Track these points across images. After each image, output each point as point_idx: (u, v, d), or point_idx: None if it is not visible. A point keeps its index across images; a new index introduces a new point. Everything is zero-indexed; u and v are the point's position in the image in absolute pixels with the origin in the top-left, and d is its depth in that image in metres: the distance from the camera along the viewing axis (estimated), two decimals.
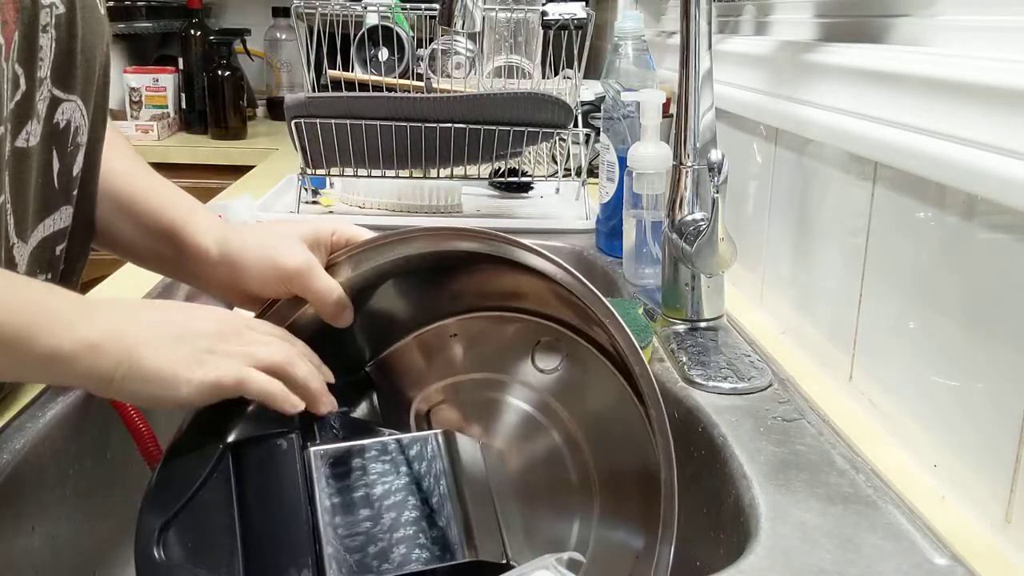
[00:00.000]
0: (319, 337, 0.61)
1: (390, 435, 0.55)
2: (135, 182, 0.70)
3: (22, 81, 0.55)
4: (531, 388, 0.62)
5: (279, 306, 0.63)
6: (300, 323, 0.63)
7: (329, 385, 0.57)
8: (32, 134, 0.57)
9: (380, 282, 0.63)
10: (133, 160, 0.72)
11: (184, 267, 0.67)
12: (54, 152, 0.60)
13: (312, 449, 0.52)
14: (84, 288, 0.82)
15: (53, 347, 0.48)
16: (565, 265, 0.53)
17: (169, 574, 0.47)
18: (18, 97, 0.55)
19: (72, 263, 0.68)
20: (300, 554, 0.47)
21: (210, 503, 0.50)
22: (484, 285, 0.62)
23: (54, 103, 0.60)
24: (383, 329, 0.65)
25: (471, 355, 0.64)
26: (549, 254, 0.54)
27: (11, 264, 0.59)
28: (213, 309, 0.57)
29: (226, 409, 0.53)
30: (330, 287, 0.61)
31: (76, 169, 0.63)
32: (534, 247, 0.54)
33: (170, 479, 0.52)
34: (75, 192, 0.64)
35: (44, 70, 0.58)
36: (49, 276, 0.65)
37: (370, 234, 0.63)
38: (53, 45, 0.58)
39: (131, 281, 0.91)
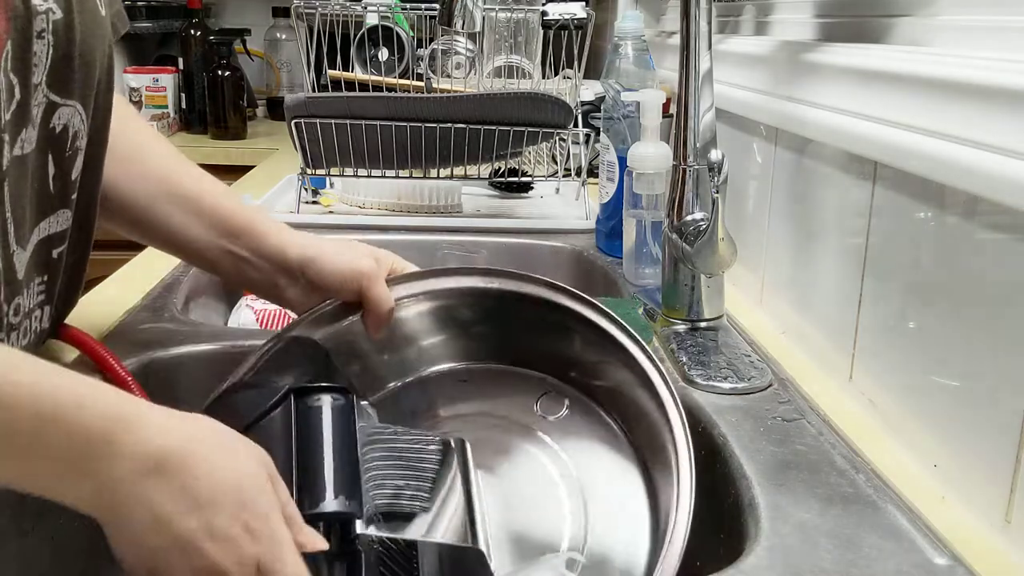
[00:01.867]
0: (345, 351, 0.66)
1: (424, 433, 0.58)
2: (202, 183, 0.73)
3: (17, 90, 0.54)
4: (532, 428, 0.64)
5: (324, 312, 0.67)
6: (336, 332, 0.67)
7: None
8: (27, 141, 0.57)
9: (420, 311, 0.68)
10: (182, 159, 0.75)
11: (255, 264, 0.70)
12: (50, 157, 0.60)
13: (364, 403, 0.55)
14: (85, 288, 0.83)
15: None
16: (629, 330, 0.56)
17: None
18: (13, 106, 0.54)
19: (75, 267, 0.68)
20: (349, 487, 0.49)
21: (272, 431, 0.51)
22: (505, 341, 0.66)
23: (50, 108, 0.59)
24: (402, 358, 0.69)
25: (478, 396, 0.67)
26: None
27: (10, 271, 0.59)
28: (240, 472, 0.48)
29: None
30: (388, 296, 0.66)
31: (75, 173, 0.63)
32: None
33: (234, 404, 0.54)
34: (74, 196, 0.64)
35: (39, 76, 0.57)
36: (46, 278, 0.65)
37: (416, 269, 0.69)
38: (50, 51, 0.57)
39: (131, 283, 0.91)
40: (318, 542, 0.46)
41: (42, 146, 0.59)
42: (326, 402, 0.53)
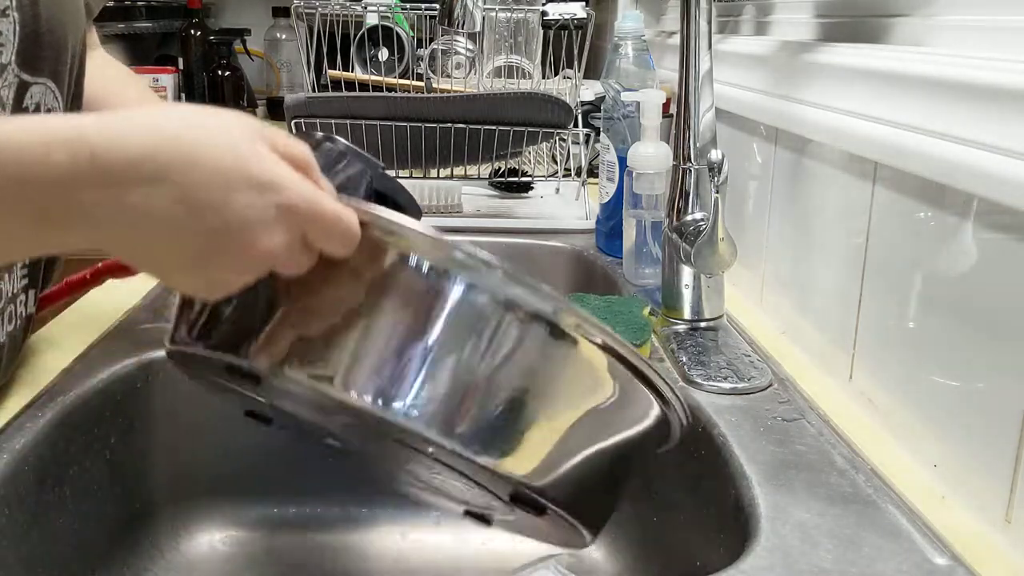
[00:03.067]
0: None
1: None
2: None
3: None
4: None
5: None
6: None
7: None
8: None
9: None
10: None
11: None
12: None
13: None
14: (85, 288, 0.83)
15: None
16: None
17: None
18: None
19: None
20: None
21: None
22: None
23: (22, 87, 0.58)
24: None
25: None
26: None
27: None
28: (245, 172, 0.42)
29: None
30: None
31: None
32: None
33: None
34: None
35: (7, 55, 0.56)
36: (28, 261, 0.65)
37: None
38: (17, 28, 0.56)
39: (131, 283, 0.90)
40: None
41: None
42: None
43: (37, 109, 0.60)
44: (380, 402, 0.43)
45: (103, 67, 0.75)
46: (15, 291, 0.64)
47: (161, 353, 0.74)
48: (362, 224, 0.44)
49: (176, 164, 0.40)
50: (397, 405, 0.43)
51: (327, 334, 0.44)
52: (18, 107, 0.58)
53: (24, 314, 0.66)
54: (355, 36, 1.47)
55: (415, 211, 0.54)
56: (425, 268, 0.45)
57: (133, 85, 0.72)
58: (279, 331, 0.45)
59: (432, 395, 0.44)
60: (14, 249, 0.44)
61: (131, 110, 0.42)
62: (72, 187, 0.39)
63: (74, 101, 0.64)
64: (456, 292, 0.45)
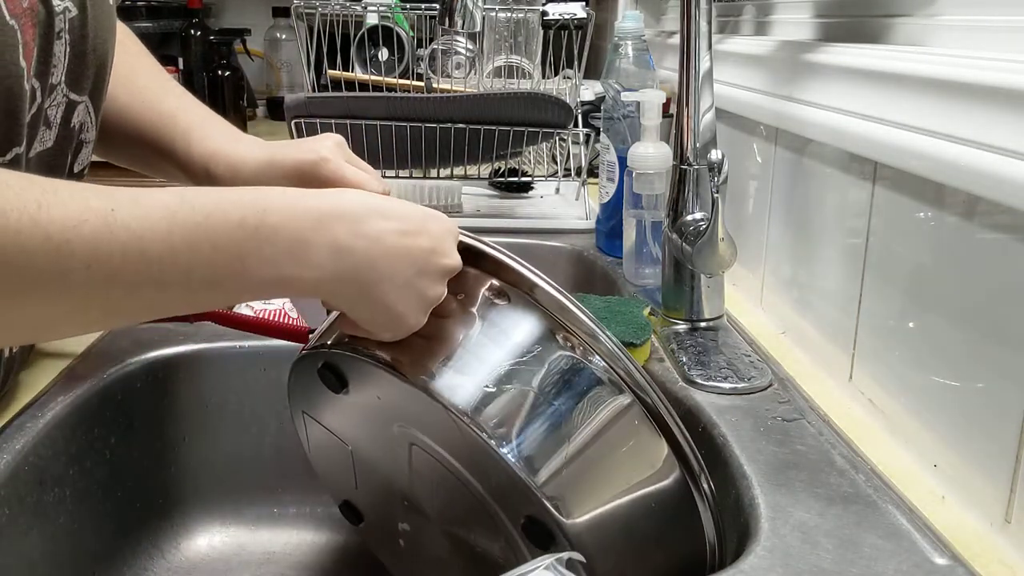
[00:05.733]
0: None
1: None
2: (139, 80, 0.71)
3: (38, 94, 0.54)
4: None
5: None
6: None
7: None
8: (40, 141, 0.57)
9: None
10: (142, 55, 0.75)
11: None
12: (68, 154, 0.60)
13: None
14: None
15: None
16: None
17: None
18: (33, 109, 0.54)
19: None
20: None
21: None
22: None
23: (70, 107, 0.59)
24: None
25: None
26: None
27: None
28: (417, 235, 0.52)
29: None
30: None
31: (78, 167, 0.63)
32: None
33: None
34: None
35: (58, 76, 0.57)
36: None
37: (375, 182, 0.63)
38: (68, 50, 0.57)
39: None
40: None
41: (61, 144, 0.59)
42: None
43: (81, 128, 0.61)
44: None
45: (133, 71, 0.74)
46: None
47: (161, 353, 0.74)
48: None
49: (386, 206, 0.51)
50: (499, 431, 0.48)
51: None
52: (66, 126, 0.59)
53: None
54: (355, 36, 1.47)
55: None
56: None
57: (171, 92, 0.72)
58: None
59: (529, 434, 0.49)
60: (252, 290, 0.49)
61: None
62: (327, 220, 0.48)
63: (100, 110, 0.64)
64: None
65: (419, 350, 0.51)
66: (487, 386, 0.49)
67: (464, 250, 0.54)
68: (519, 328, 0.52)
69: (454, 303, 0.53)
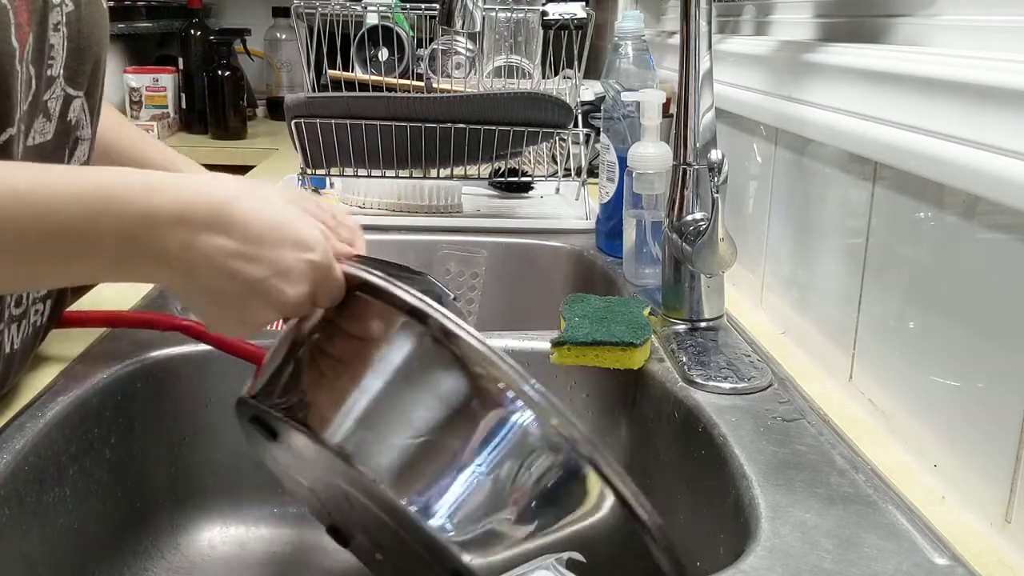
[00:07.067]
0: None
1: None
2: (124, 133, 0.75)
3: (33, 82, 0.55)
4: None
5: None
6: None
7: None
8: (42, 132, 0.57)
9: None
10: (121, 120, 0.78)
11: None
12: (67, 150, 0.61)
13: None
14: (85, 288, 0.82)
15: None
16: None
17: None
18: (30, 97, 0.55)
19: None
20: None
21: None
22: None
23: (67, 101, 0.60)
24: None
25: None
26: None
27: None
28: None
29: None
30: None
31: (76, 163, 0.64)
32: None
33: None
34: None
35: (56, 69, 0.58)
36: None
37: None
38: (65, 43, 0.58)
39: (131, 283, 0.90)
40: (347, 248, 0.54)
41: (60, 139, 0.59)
42: None
43: (77, 124, 0.61)
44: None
45: (120, 122, 0.78)
46: (33, 299, 0.64)
47: (161, 353, 0.74)
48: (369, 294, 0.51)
49: (241, 219, 0.49)
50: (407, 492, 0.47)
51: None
52: (63, 119, 0.60)
53: (38, 323, 0.66)
54: (355, 36, 1.47)
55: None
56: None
57: (154, 147, 0.78)
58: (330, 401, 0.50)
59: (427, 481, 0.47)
60: (95, 275, 0.51)
61: (195, 176, 0.51)
62: (156, 225, 0.47)
63: (96, 108, 0.65)
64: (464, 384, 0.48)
65: (330, 404, 0.49)
66: (402, 443, 0.47)
67: (362, 284, 0.52)
68: (435, 375, 0.49)
69: (360, 343, 0.51)
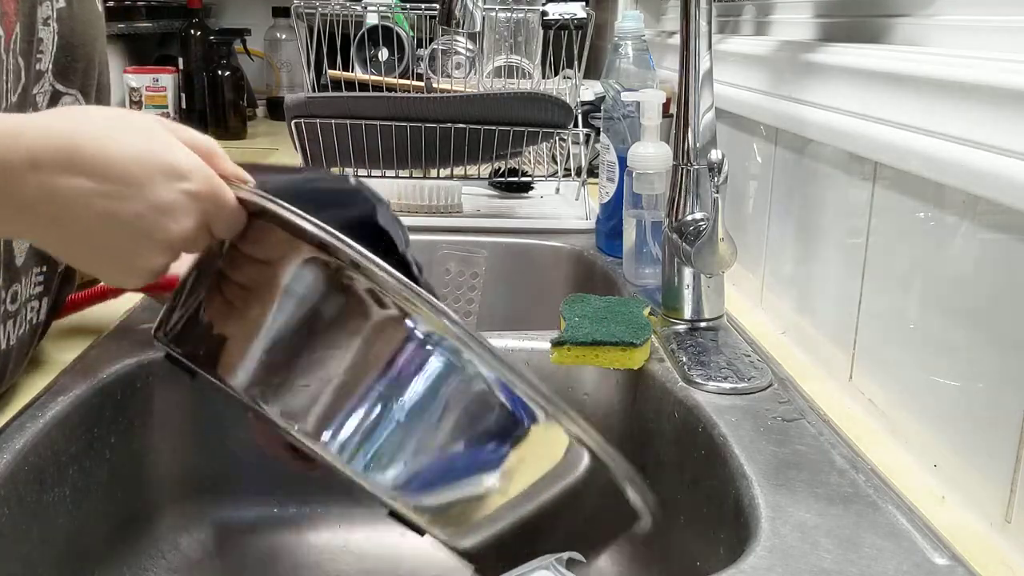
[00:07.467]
0: None
1: None
2: None
3: (22, 74, 0.56)
4: None
5: None
6: None
7: None
8: None
9: None
10: None
11: None
12: None
13: None
14: (85, 287, 0.83)
15: None
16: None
17: None
18: (19, 90, 0.55)
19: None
20: None
21: None
22: None
23: (55, 97, 0.60)
24: None
25: None
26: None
27: (9, 255, 0.59)
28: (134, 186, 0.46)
29: None
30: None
31: None
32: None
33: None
34: None
35: (45, 63, 0.58)
36: (45, 268, 0.65)
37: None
38: (55, 38, 0.58)
39: None
40: (239, 172, 0.49)
41: None
42: None
43: None
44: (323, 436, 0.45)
45: None
46: (29, 296, 0.64)
47: (161, 353, 0.74)
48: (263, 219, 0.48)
49: (98, 157, 0.44)
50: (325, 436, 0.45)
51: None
52: None
53: (35, 321, 0.66)
54: (355, 36, 1.47)
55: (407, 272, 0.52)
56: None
57: None
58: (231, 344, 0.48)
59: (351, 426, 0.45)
60: None
61: (59, 109, 0.47)
62: (9, 174, 0.43)
63: None
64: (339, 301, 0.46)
65: (237, 342, 0.47)
66: (304, 384, 0.45)
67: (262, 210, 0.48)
68: (342, 307, 0.46)
69: (266, 271, 0.47)
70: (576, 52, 1.21)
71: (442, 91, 1.30)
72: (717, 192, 0.70)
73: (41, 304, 0.66)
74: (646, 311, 0.77)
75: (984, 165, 0.50)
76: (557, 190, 1.37)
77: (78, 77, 0.62)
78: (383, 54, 1.48)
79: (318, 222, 0.45)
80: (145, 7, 2.11)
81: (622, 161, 0.97)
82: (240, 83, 2.04)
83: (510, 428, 0.47)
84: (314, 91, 1.25)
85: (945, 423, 0.58)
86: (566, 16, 1.23)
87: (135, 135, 0.46)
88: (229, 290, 0.48)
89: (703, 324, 0.77)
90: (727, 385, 0.68)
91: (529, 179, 1.34)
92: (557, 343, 0.71)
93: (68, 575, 0.63)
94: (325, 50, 1.27)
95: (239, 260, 0.48)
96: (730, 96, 0.93)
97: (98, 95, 0.66)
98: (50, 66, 0.59)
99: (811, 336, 0.77)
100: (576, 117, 1.19)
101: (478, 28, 1.05)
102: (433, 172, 1.19)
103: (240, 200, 0.48)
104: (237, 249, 0.49)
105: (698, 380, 0.68)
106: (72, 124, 0.44)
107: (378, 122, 1.11)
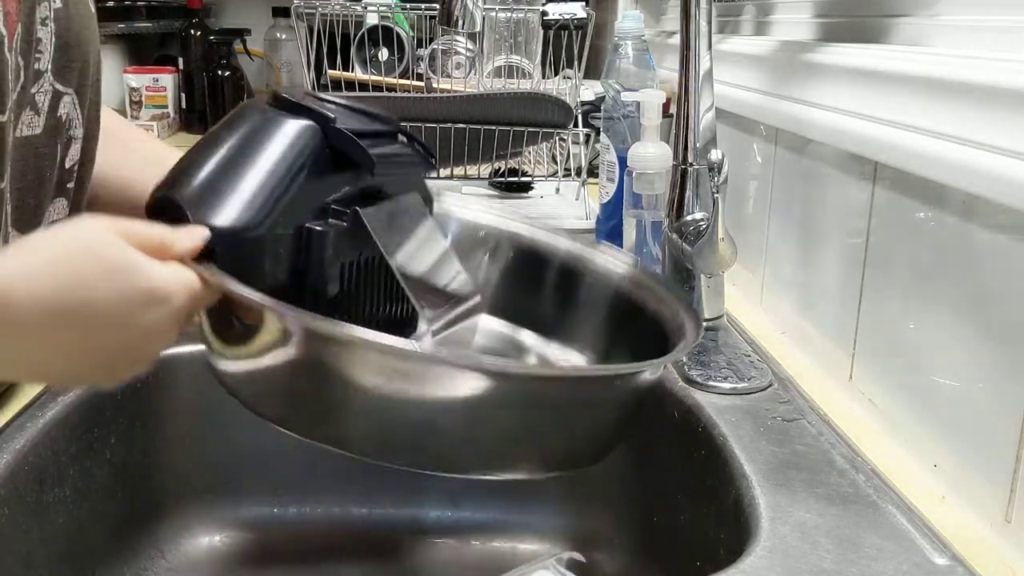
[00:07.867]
0: None
1: None
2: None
3: (22, 73, 0.56)
4: None
5: None
6: None
7: None
8: (28, 125, 0.58)
9: None
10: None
11: None
12: (58, 146, 0.61)
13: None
14: None
15: None
16: None
17: None
18: (18, 88, 0.56)
19: None
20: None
21: None
22: None
23: (56, 97, 0.60)
24: None
25: None
26: None
27: None
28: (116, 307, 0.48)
29: None
30: None
31: (69, 162, 0.64)
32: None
33: None
34: (70, 186, 0.64)
35: (44, 63, 0.58)
36: None
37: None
38: (53, 38, 0.59)
39: None
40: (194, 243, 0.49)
41: (50, 134, 0.60)
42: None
43: (68, 121, 0.62)
44: None
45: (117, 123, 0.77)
46: None
47: (161, 353, 0.74)
48: None
49: (81, 310, 0.45)
50: None
51: None
52: (52, 114, 0.60)
53: None
54: (355, 36, 1.47)
55: (368, 163, 0.57)
56: None
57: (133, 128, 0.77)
58: None
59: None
60: None
61: (32, 253, 0.46)
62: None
63: (90, 111, 0.65)
64: None
65: None
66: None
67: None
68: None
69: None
70: (576, 52, 1.21)
71: (442, 91, 1.30)
72: (717, 192, 0.70)
73: None
74: None
75: (984, 165, 0.50)
76: (557, 190, 1.37)
77: (74, 77, 0.62)
78: (383, 54, 1.48)
79: (268, 301, 0.48)
80: (145, 7, 2.11)
81: (622, 161, 0.97)
82: (240, 83, 2.04)
83: None
84: (314, 91, 1.24)
85: (945, 423, 0.58)
86: (566, 16, 1.23)
87: (114, 274, 0.46)
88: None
89: (703, 324, 0.77)
90: (727, 385, 0.68)
91: (529, 179, 1.34)
92: None
93: (68, 575, 0.63)
94: (325, 50, 1.27)
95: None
96: (730, 96, 0.93)
97: (92, 95, 0.66)
98: (49, 65, 0.59)
99: (811, 336, 0.77)
100: (576, 117, 1.19)
101: (478, 28, 1.05)
102: (433, 172, 1.19)
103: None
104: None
105: (698, 380, 0.68)
106: (53, 282, 0.45)
107: None
